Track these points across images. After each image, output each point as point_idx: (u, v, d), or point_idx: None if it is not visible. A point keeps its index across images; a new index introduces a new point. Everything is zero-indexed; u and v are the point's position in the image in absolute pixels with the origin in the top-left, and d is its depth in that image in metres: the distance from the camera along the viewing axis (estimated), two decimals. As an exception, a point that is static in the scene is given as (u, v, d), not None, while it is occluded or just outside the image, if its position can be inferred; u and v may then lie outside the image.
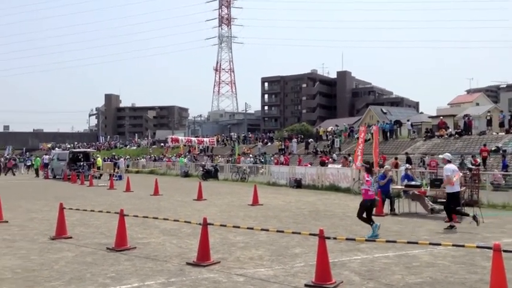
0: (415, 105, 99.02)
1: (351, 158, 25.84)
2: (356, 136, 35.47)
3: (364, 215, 9.32)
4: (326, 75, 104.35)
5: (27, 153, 68.61)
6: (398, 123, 38.36)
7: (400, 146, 33.92)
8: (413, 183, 13.55)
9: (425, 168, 22.73)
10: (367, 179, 9.33)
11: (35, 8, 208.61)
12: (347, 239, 7.84)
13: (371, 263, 7.28)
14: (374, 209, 9.83)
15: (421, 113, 76.99)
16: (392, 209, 13.25)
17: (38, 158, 41.14)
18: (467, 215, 10.60)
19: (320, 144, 41.11)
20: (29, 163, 46.55)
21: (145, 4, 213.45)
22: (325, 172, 22.26)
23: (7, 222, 11.41)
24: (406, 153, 27.79)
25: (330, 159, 30.93)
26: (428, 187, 13.33)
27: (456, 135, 31.44)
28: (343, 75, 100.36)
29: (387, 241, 6.61)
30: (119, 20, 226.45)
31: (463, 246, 5.92)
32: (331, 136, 41.06)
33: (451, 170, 10.45)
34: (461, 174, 11.24)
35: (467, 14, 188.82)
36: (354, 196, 18.22)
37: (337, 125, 44.82)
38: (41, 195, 19.25)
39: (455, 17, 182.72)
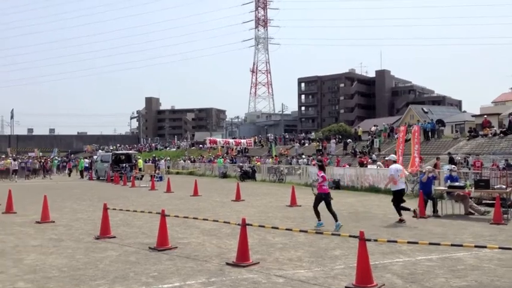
0: (458, 104, 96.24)
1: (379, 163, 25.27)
2: (396, 136, 34.77)
3: (338, 211, 10.66)
4: (364, 74, 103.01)
5: (72, 155, 70.96)
6: (440, 122, 37.34)
7: (442, 146, 33.01)
8: (456, 184, 13.18)
9: (469, 169, 22.04)
10: (321, 175, 10.47)
11: (84, 13, 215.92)
12: (388, 241, 7.71)
13: (413, 265, 7.13)
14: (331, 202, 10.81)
15: (464, 111, 74.80)
16: (435, 210, 12.92)
17: (82, 160, 42.49)
18: (408, 209, 11.48)
19: (359, 144, 40.55)
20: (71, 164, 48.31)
21: (183, 9, 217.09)
22: (365, 173, 21.94)
23: (54, 222, 11.82)
24: (449, 153, 27.01)
25: (369, 160, 30.43)
26: (473, 188, 12.93)
27: (501, 135, 30.29)
28: (382, 74, 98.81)
29: (430, 243, 6.44)
30: (157, 25, 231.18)
31: (510, 249, 5.73)
32: (370, 136, 40.40)
33: (394, 170, 11.57)
34: (406, 172, 12.46)
35: (510, 9, 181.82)
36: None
37: (376, 125, 44.04)
38: (86, 196, 19.85)
39: (498, 13, 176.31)
